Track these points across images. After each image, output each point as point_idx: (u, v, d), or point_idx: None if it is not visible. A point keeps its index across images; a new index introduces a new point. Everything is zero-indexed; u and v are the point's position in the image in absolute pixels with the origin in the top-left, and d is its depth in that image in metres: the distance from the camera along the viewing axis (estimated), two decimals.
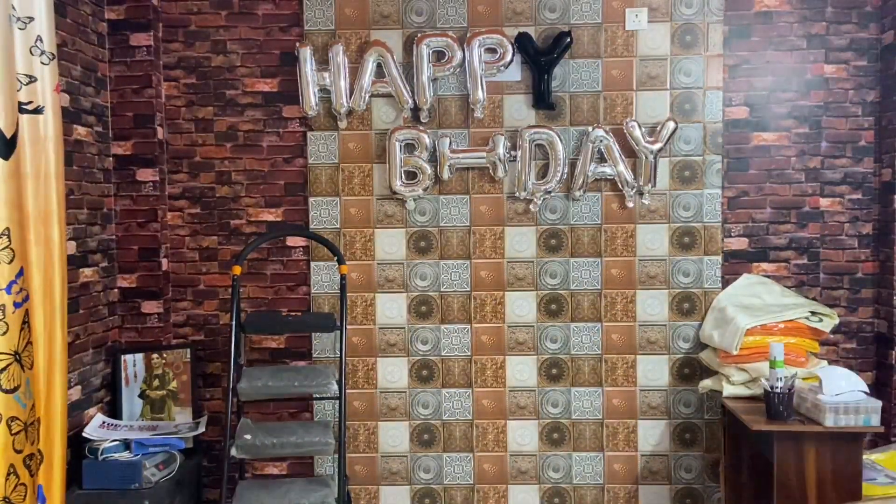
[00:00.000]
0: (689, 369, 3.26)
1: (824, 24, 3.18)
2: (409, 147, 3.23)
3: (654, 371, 3.27)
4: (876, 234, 3.21)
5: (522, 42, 3.16)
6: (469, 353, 3.31)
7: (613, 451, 3.30)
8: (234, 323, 2.92)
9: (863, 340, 3.24)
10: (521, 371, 3.31)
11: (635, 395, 3.29)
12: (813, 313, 2.99)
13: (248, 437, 2.80)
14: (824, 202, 3.23)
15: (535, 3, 3.21)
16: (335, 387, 2.89)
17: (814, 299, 3.18)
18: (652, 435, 3.29)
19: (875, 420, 2.55)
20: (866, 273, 3.23)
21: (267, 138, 3.29)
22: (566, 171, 3.21)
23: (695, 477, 3.28)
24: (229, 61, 3.27)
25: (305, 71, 3.17)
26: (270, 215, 3.31)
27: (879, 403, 2.58)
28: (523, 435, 3.32)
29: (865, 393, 2.62)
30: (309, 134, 3.28)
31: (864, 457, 2.67)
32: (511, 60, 3.17)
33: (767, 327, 2.93)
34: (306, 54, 3.17)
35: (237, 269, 2.99)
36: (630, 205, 3.24)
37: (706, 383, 3.10)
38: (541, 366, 3.30)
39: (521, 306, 3.30)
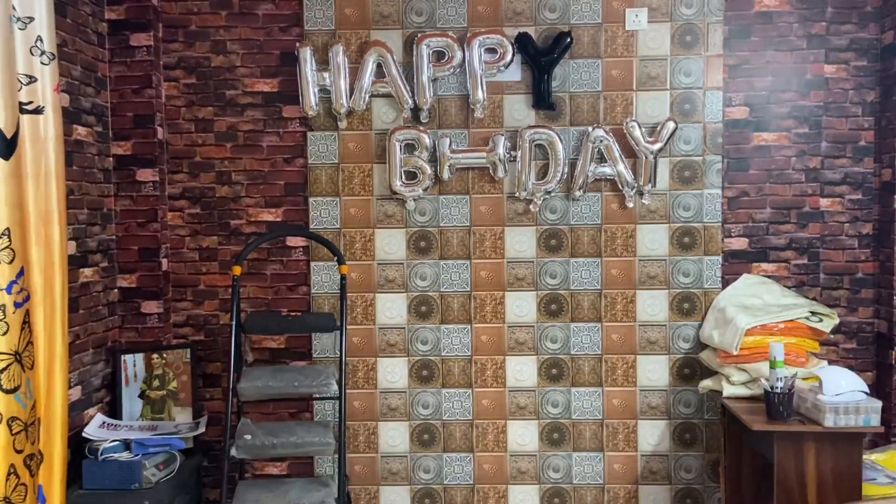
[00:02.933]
0: (690, 369, 3.26)
1: (824, 24, 3.18)
2: (409, 147, 3.23)
3: (654, 371, 3.27)
4: (876, 234, 3.21)
5: (522, 42, 3.16)
6: (469, 354, 3.31)
7: (613, 451, 3.30)
8: (234, 323, 2.92)
9: (863, 340, 3.24)
10: (521, 371, 3.31)
11: (635, 396, 3.29)
12: (813, 313, 2.99)
13: (248, 437, 2.81)
14: (824, 202, 3.23)
15: (535, 3, 3.21)
16: (335, 387, 2.89)
17: (814, 299, 3.18)
18: (652, 435, 3.29)
19: (875, 420, 2.55)
20: (866, 273, 3.23)
21: (267, 138, 3.29)
22: (566, 171, 3.21)
23: (695, 477, 3.29)
24: (229, 61, 3.27)
25: (305, 71, 3.17)
26: (270, 215, 3.31)
27: (879, 403, 2.57)
28: (523, 435, 3.32)
29: (865, 393, 2.62)
30: (309, 134, 3.28)
31: (864, 457, 2.67)
32: (511, 60, 3.17)
33: (767, 327, 2.93)
34: (306, 54, 3.17)
35: (237, 270, 2.99)
36: (630, 205, 3.24)
37: (706, 383, 3.10)
38: (541, 366, 3.30)
39: (521, 306, 3.30)
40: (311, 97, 3.20)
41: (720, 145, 3.21)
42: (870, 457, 2.81)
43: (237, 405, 2.97)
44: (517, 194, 3.25)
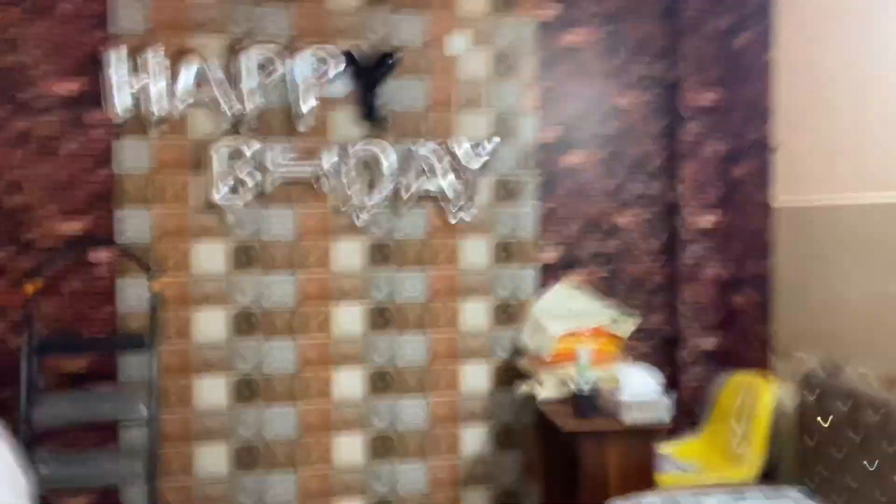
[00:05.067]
0: (508, 375, 3.41)
1: (622, 60, 3.51)
2: (231, 157, 3.12)
3: (475, 378, 3.40)
4: (665, 247, 3.59)
5: (349, 58, 3.18)
6: (294, 369, 3.24)
7: (437, 458, 3.37)
8: (27, 345, 2.64)
9: (656, 342, 3.59)
10: (348, 384, 3.29)
11: (458, 403, 3.39)
12: (615, 319, 3.26)
13: (44, 469, 2.54)
14: (624, 218, 3.55)
15: (361, 21, 3.24)
16: (145, 411, 2.70)
17: (615, 306, 3.47)
18: (473, 440, 3.40)
19: (667, 415, 2.79)
20: (658, 282, 3.59)
21: (68, 144, 3.02)
22: (392, 185, 3.26)
23: (513, 478, 3.45)
24: (25, 61, 2.97)
25: (115, 74, 2.96)
26: (71, 227, 3.03)
27: (671, 399, 2.84)
28: (349, 449, 3.30)
29: (659, 391, 2.86)
30: (119, 141, 3.05)
31: (659, 449, 2.93)
32: (338, 75, 3.17)
33: (576, 333, 3.15)
34: (115, 56, 2.96)
35: (31, 287, 2.70)
36: (454, 220, 3.35)
37: (522, 388, 3.26)
38: (368, 378, 3.31)
39: (348, 319, 3.29)
40: (120, 102, 2.99)
41: (535, 165, 3.43)
42: (664, 448, 3.11)
43: (32, 435, 2.67)
44: (344, 208, 3.25)
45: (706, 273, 3.49)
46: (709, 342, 3.51)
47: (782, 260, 3.02)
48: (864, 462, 2.39)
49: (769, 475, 2.91)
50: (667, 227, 3.57)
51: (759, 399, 2.96)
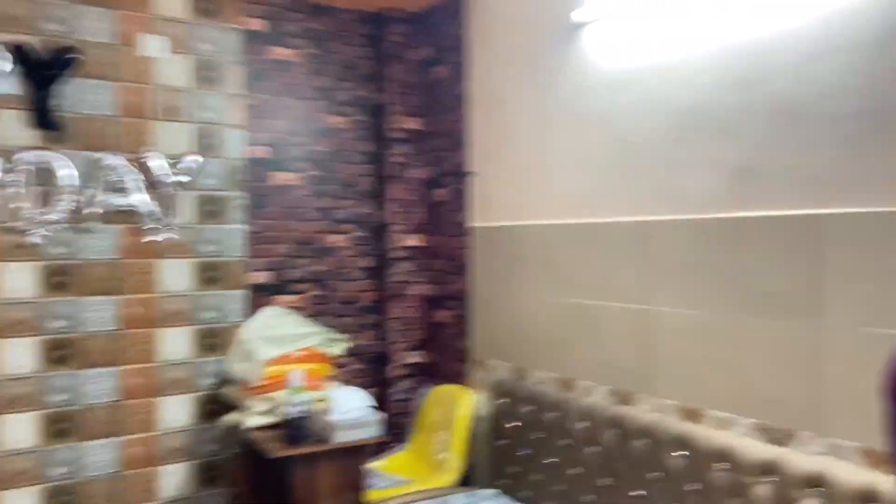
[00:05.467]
0: (215, 406, 3.21)
1: (331, 80, 3.55)
2: None
3: (177, 412, 3.14)
4: (376, 267, 3.69)
5: (17, 52, 2.74)
6: None
7: None
8: None
9: (368, 360, 3.67)
10: (19, 431, 2.81)
11: (157, 441, 3.09)
12: (327, 340, 3.26)
13: None
14: (335, 238, 3.57)
15: (33, 11, 2.82)
16: None
17: (328, 327, 3.46)
18: (174, 480, 3.13)
19: (377, 431, 2.85)
20: (369, 301, 3.67)
21: None
22: (76, 200, 2.88)
23: None
24: None
25: None
26: None
27: (381, 416, 2.90)
28: None
29: (369, 409, 2.91)
30: None
31: (371, 465, 2.98)
32: (4, 70, 2.72)
33: (288, 357, 3.07)
34: None
35: None
36: (152, 238, 3.07)
37: (230, 418, 3.08)
38: (42, 423, 2.86)
39: (18, 355, 2.81)
40: None
41: (243, 182, 3.29)
42: (375, 464, 3.16)
43: None
44: (12, 224, 2.78)
45: (412, 291, 3.66)
46: (415, 357, 3.68)
47: (478, 277, 3.28)
48: (547, 457, 2.68)
49: (470, 479, 3.13)
50: (376, 247, 3.67)
51: (457, 408, 3.17)
